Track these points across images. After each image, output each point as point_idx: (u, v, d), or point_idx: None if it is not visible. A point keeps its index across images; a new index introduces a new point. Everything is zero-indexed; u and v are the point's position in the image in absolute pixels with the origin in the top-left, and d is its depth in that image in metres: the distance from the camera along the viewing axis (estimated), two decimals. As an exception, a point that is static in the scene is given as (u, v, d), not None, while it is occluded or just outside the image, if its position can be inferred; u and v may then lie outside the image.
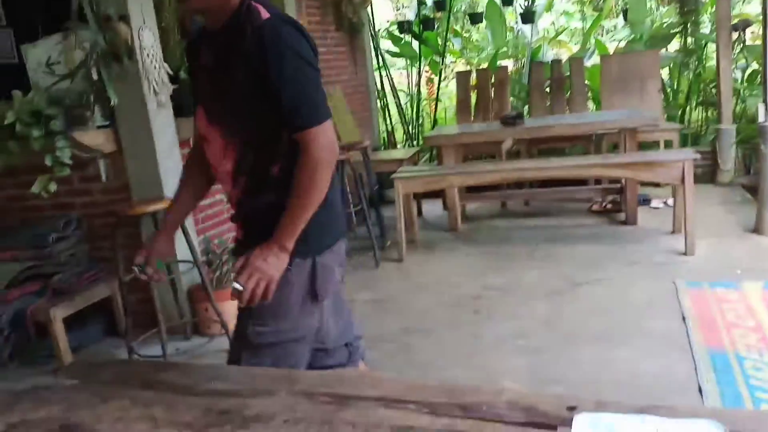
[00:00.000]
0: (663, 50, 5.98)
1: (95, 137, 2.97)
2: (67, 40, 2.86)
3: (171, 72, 3.09)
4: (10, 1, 4.75)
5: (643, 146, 5.15)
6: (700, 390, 2.21)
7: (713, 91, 5.77)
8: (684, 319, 2.78)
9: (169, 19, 3.15)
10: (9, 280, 2.93)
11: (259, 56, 1.39)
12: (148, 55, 2.92)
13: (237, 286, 1.38)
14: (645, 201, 4.72)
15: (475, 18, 6.79)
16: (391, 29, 7.28)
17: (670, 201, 4.44)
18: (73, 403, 1.03)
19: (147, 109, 2.95)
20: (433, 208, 5.26)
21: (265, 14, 1.42)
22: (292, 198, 1.42)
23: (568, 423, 1.03)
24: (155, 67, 2.96)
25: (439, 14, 6.78)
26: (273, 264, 1.40)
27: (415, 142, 6.46)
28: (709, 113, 5.91)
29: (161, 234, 1.70)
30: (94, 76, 2.78)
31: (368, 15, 6.04)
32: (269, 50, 1.38)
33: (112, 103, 2.79)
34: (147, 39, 2.93)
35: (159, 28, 3.06)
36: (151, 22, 3.00)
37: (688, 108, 5.97)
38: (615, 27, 7.91)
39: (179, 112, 3.15)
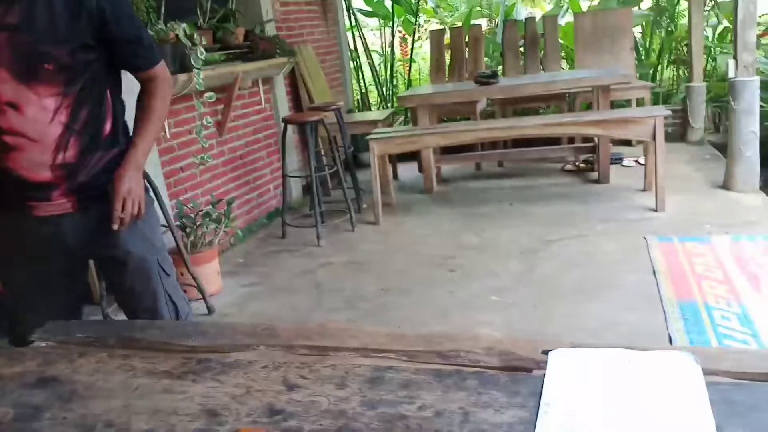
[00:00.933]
0: (636, 8, 5.98)
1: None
2: None
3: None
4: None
5: (616, 105, 5.19)
6: (670, 339, 2.28)
7: (685, 49, 5.81)
8: (655, 272, 2.85)
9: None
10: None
11: (104, 7, 1.44)
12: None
13: (115, 226, 1.51)
14: (617, 159, 4.77)
15: (448, -24, 6.71)
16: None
17: (642, 159, 4.50)
18: (49, 359, 1.03)
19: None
20: (408, 171, 5.26)
21: None
22: (147, 123, 1.57)
23: (544, 366, 1.05)
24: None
25: (412, -27, 6.67)
26: (139, 183, 1.53)
27: (389, 104, 6.41)
28: (681, 71, 5.96)
29: None
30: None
31: (340, -27, 5.92)
32: (115, 2, 1.47)
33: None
34: None
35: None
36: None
37: (660, 66, 6.01)
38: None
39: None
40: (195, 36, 3.04)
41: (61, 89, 1.43)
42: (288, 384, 0.85)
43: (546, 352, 1.14)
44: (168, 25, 3.02)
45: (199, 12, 3.61)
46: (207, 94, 3.24)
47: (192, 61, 3.00)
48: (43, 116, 1.42)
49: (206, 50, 3.15)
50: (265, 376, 0.88)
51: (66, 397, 0.89)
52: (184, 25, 3.03)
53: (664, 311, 2.50)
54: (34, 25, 1.38)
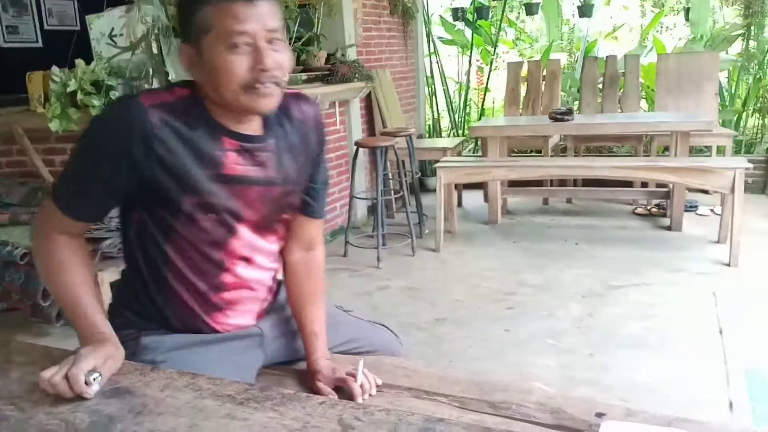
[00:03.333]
0: (723, 52, 5.80)
1: (151, 109, 3.06)
2: (131, 14, 2.94)
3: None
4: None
5: (695, 150, 5.04)
6: (731, 405, 2.19)
7: (773, 98, 5.59)
8: (721, 331, 2.74)
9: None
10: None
11: (321, 145, 1.36)
12: (206, 32, 2.99)
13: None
14: (692, 207, 4.63)
15: (530, 9, 6.69)
16: (444, 16, 7.23)
17: (718, 209, 4.34)
18: (123, 369, 1.10)
19: (202, 84, 3.01)
20: (473, 199, 5.26)
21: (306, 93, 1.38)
22: (322, 304, 1.44)
23: (596, 429, 1.05)
24: (212, 44, 3.03)
25: (494, 3, 6.70)
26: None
27: (460, 132, 6.44)
28: (766, 120, 5.73)
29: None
30: (154, 50, 2.86)
31: (423, 0, 6.02)
32: (324, 137, 1.37)
33: (169, 77, 2.87)
34: (206, 16, 2.99)
35: (218, 6, 3.12)
36: (211, 0, 3.06)
37: (744, 114, 5.79)
38: (675, 25, 7.69)
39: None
40: (280, 58, 3.17)
41: (283, 234, 1.36)
42: (343, 424, 0.89)
43: (599, 415, 1.14)
44: (255, 46, 3.16)
45: (286, 35, 3.76)
46: (286, 114, 3.36)
47: (275, 82, 3.13)
48: (267, 263, 1.33)
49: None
50: (321, 413, 0.92)
51: (137, 410, 0.96)
52: (270, 47, 3.16)
53: (727, 374, 2.40)
54: (286, 176, 1.28)
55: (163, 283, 1.24)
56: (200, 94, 1.18)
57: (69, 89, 2.90)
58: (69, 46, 4.13)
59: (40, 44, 4.92)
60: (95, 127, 1.17)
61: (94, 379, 1.00)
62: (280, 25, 1.15)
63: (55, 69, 3.01)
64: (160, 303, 1.26)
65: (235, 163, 1.19)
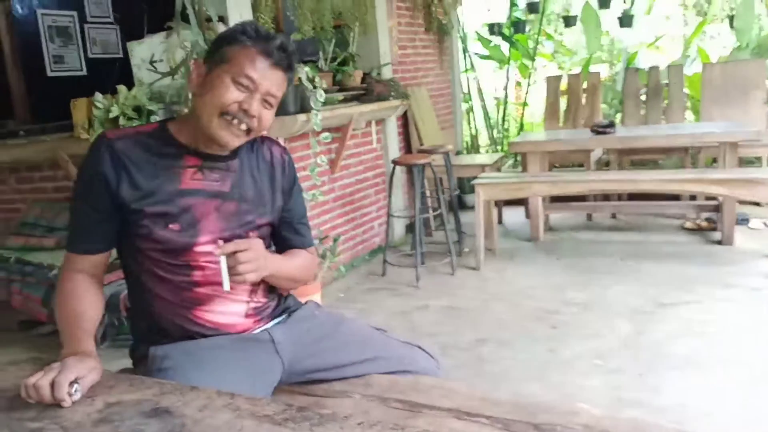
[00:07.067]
0: (772, 60, 5.62)
1: (191, 132, 3.11)
2: (170, 39, 3.01)
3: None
4: (119, 1, 5.09)
5: (745, 162, 4.88)
6: (794, 428, 2.08)
7: (826, 105, 5.37)
8: (780, 350, 2.62)
9: (265, 20, 3.26)
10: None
11: (290, 181, 1.51)
12: (243, 55, 3.03)
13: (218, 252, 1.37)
14: (743, 220, 4.45)
15: (568, 21, 6.62)
16: (480, 31, 7.22)
17: (771, 222, 4.18)
18: (164, 389, 1.10)
19: (239, 107, 3.05)
20: (514, 216, 5.18)
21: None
22: (293, 257, 1.55)
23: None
24: (249, 67, 3.07)
25: (531, 16, 6.66)
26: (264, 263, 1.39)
27: (499, 148, 6.37)
28: (820, 129, 5.51)
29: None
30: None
31: (458, 16, 6.02)
32: (295, 176, 1.53)
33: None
34: (244, 40, 3.04)
35: (255, 29, 3.17)
36: (249, 24, 3.11)
37: (796, 123, 5.58)
38: (719, 33, 7.50)
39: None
40: (316, 79, 3.20)
41: None
42: (381, 447, 0.86)
43: (651, 439, 1.09)
44: (293, 67, 3.20)
45: (321, 55, 3.80)
46: (323, 135, 3.38)
47: (312, 103, 3.15)
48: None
49: (325, 92, 3.29)
50: (358, 435, 0.90)
51: (176, 430, 0.95)
52: (307, 68, 3.19)
53: (789, 395, 2.28)
54: (244, 194, 1.40)
55: (146, 289, 1.38)
56: (166, 125, 1.38)
57: (111, 115, 2.97)
58: (112, 73, 4.26)
59: (84, 72, 5.09)
60: (78, 173, 1.37)
61: (75, 390, 1.08)
62: (279, 96, 1.34)
63: (98, 95, 3.09)
64: (149, 309, 1.38)
65: (192, 178, 1.35)
